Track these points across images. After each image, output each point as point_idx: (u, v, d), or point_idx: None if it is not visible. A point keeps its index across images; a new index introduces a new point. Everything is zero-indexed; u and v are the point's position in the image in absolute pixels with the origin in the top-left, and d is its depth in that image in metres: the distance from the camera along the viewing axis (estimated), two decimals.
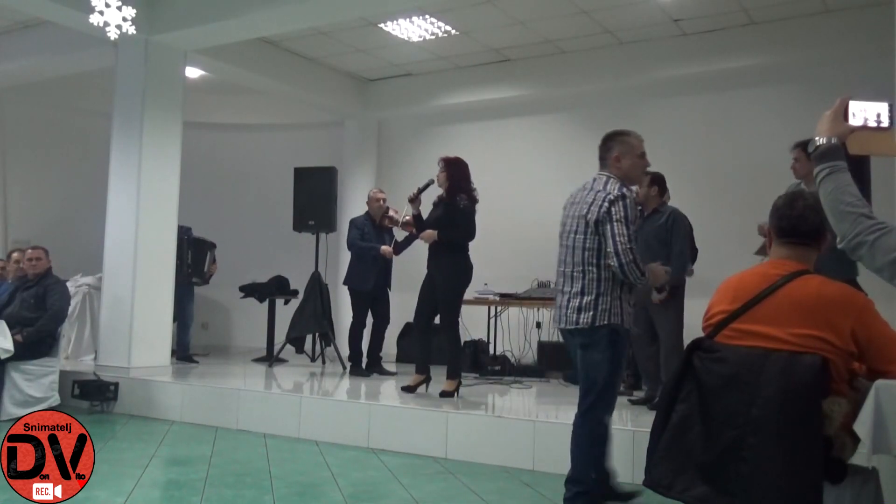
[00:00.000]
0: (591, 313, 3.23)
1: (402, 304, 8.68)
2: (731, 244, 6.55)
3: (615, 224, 3.18)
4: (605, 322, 3.22)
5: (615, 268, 3.19)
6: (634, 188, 3.67)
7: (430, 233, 5.51)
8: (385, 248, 6.60)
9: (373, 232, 6.76)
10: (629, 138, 3.36)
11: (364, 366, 6.82)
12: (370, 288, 6.70)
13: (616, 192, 3.24)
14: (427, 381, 5.65)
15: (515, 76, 8.31)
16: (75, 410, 5.85)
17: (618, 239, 3.16)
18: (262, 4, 6.17)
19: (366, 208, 6.98)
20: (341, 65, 8.67)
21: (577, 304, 3.27)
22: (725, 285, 2.41)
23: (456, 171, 5.54)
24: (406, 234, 6.43)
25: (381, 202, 6.81)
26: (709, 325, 2.36)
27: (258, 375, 6.98)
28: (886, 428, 1.94)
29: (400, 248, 6.69)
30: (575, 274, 3.30)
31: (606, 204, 3.21)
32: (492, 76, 8.40)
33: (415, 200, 5.69)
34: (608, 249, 3.19)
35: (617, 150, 3.33)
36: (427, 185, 5.72)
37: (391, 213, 6.67)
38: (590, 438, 3.32)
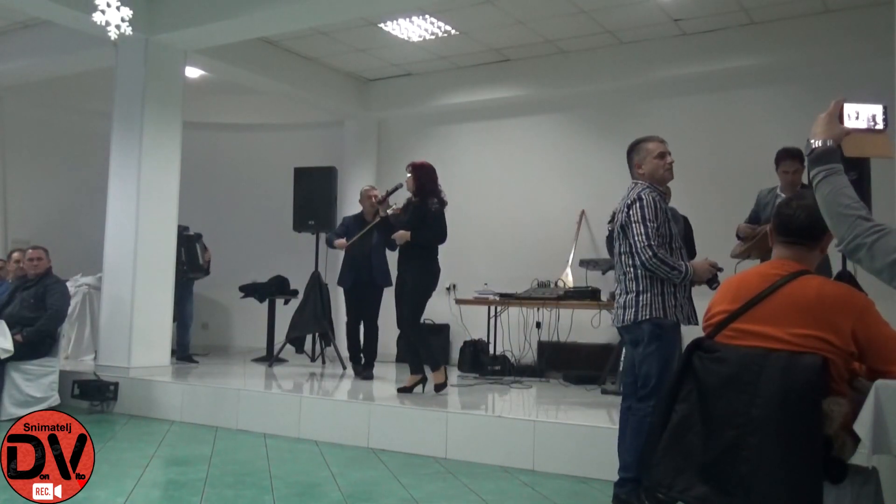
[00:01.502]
0: (633, 310, 3.43)
1: None
2: (732, 245, 6.55)
3: (633, 225, 3.39)
4: (647, 317, 3.37)
5: (640, 266, 3.37)
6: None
7: (403, 233, 5.54)
8: (338, 241, 6.51)
9: (357, 230, 6.59)
10: (645, 143, 3.55)
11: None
12: (350, 286, 6.62)
13: (634, 195, 3.44)
14: (423, 381, 5.66)
15: (515, 76, 8.31)
16: (75, 410, 5.85)
17: (636, 238, 3.36)
18: (262, 4, 6.17)
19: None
20: (341, 65, 8.67)
21: (622, 302, 3.51)
22: (726, 285, 2.42)
23: (424, 175, 5.60)
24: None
25: (372, 199, 6.67)
26: (709, 325, 2.36)
27: (258, 375, 6.98)
28: (886, 428, 1.95)
29: (391, 243, 6.59)
30: (619, 276, 3.56)
31: (626, 208, 3.45)
32: (492, 76, 8.40)
33: (383, 203, 5.76)
34: (633, 250, 3.40)
35: (636, 158, 3.56)
36: (395, 189, 5.80)
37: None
38: (636, 429, 3.39)
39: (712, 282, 3.48)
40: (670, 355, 3.39)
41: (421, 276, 5.55)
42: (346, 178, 8.83)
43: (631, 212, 3.40)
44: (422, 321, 5.79)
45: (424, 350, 5.66)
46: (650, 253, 3.31)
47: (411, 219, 5.57)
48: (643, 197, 3.40)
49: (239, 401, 5.65)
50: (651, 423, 3.25)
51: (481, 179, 8.53)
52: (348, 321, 6.80)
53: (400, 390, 5.65)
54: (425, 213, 5.51)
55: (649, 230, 3.34)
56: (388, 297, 8.49)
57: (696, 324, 3.46)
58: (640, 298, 3.40)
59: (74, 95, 9.24)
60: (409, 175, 5.63)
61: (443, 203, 5.59)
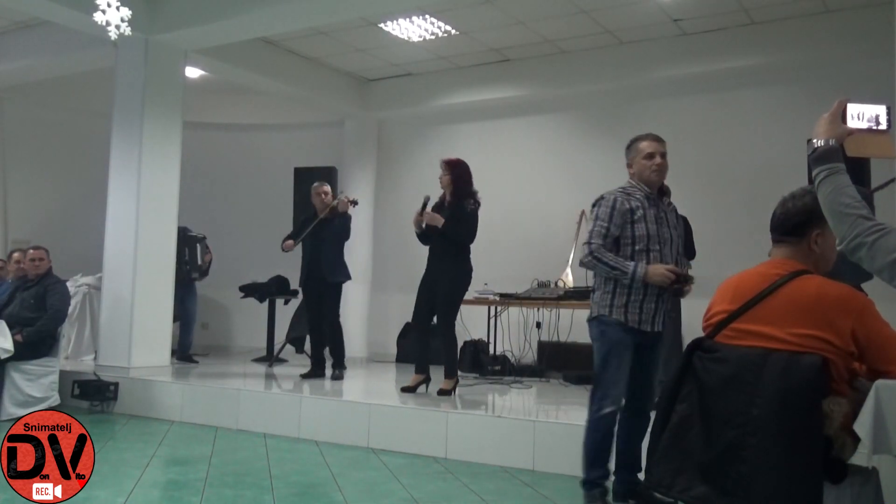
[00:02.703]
0: (590, 308, 3.54)
1: (402, 304, 8.69)
2: (731, 244, 6.57)
3: (590, 223, 3.48)
4: (594, 314, 3.47)
5: None
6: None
7: (437, 217, 5.46)
8: (286, 244, 6.59)
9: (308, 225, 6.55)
10: (636, 143, 3.53)
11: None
12: (304, 282, 6.56)
13: (601, 195, 3.50)
14: (426, 381, 5.65)
15: (515, 76, 8.31)
16: (75, 410, 5.85)
17: (586, 237, 3.44)
18: (262, 4, 6.17)
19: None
20: (341, 65, 8.67)
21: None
22: (725, 285, 2.41)
23: (460, 173, 5.59)
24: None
25: (323, 196, 6.61)
26: (709, 325, 2.36)
27: (258, 375, 6.98)
28: (886, 428, 1.95)
29: (338, 234, 6.53)
30: None
31: (591, 207, 3.54)
32: (492, 76, 8.40)
33: (421, 218, 5.57)
34: None
35: (628, 157, 3.57)
36: (426, 203, 5.64)
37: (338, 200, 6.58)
38: (588, 425, 3.44)
39: (677, 292, 3.44)
40: (608, 354, 3.40)
41: (456, 277, 5.56)
42: (346, 178, 8.83)
43: (592, 211, 3.49)
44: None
45: (450, 355, 5.61)
46: (586, 251, 3.39)
47: (447, 218, 5.54)
48: (605, 197, 3.46)
49: (239, 401, 5.65)
50: (599, 421, 3.36)
51: (481, 179, 8.41)
52: (308, 319, 6.75)
53: (403, 389, 5.65)
54: (461, 212, 5.50)
55: (595, 228, 3.40)
56: (384, 294, 8.53)
57: (653, 328, 3.45)
58: (593, 296, 3.49)
59: (74, 95, 9.24)
60: (443, 173, 5.62)
61: (478, 204, 5.59)
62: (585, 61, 7.90)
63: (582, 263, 3.43)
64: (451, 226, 5.47)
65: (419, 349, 5.77)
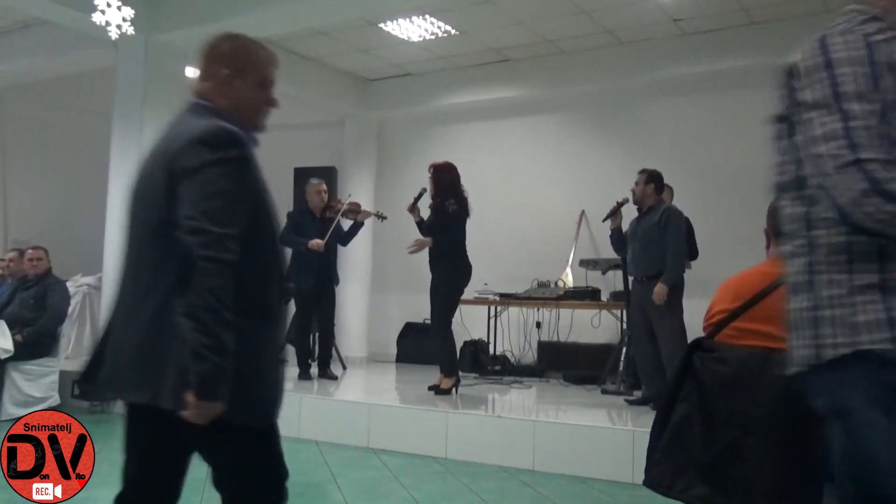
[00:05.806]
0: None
1: (402, 304, 8.70)
2: (732, 244, 6.55)
3: (821, 117, 1.53)
4: (837, 352, 1.55)
5: None
6: None
7: (424, 240, 5.57)
8: (313, 242, 6.24)
9: (312, 225, 6.48)
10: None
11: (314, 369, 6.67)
12: (311, 285, 6.45)
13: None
14: (457, 382, 5.70)
15: (515, 76, 8.31)
16: (75, 410, 5.85)
17: (821, 151, 1.48)
18: (262, 4, 6.18)
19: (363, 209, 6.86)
20: (341, 65, 8.67)
21: None
22: (726, 285, 2.42)
23: (442, 177, 5.63)
24: (351, 222, 6.57)
25: (322, 194, 6.64)
26: (709, 325, 2.36)
27: None
28: None
29: (346, 238, 6.67)
30: None
31: None
32: (492, 76, 8.40)
33: (413, 210, 5.74)
34: None
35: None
36: (421, 194, 5.80)
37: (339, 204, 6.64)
38: None
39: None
40: None
41: (449, 277, 5.59)
42: (346, 178, 8.83)
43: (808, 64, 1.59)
44: (421, 322, 5.80)
45: (446, 354, 5.65)
46: (838, 179, 1.38)
47: (431, 222, 5.59)
48: (830, 35, 1.57)
49: None
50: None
51: (481, 179, 8.50)
52: (302, 324, 6.67)
53: (431, 388, 5.65)
54: (442, 215, 5.54)
55: (849, 125, 1.41)
56: (384, 294, 8.50)
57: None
58: (801, 305, 1.70)
59: (74, 95, 9.22)
60: (429, 178, 5.67)
61: (461, 205, 5.59)
62: (585, 61, 7.90)
63: (864, 229, 1.35)
64: (435, 235, 5.54)
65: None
